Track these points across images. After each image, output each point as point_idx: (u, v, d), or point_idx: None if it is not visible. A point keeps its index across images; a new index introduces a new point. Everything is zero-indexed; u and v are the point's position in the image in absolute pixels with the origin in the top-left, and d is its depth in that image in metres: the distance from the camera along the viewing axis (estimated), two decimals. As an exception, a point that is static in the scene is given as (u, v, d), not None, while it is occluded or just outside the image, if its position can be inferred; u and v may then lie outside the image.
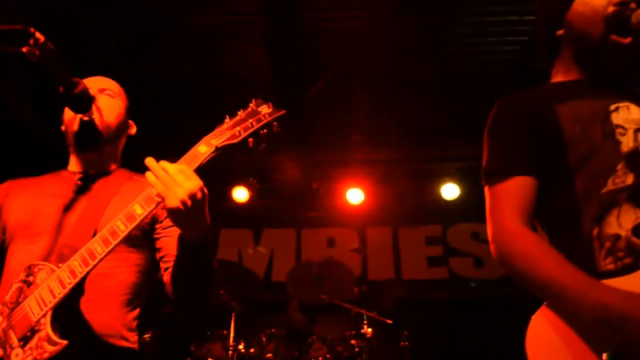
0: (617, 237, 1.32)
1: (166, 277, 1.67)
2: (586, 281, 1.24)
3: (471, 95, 5.17)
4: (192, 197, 1.34)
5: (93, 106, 1.69)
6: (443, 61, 4.74)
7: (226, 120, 1.49)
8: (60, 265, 1.46)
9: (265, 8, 4.11)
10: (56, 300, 1.41)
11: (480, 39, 4.56)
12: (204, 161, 1.43)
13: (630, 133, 1.40)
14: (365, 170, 5.73)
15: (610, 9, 1.47)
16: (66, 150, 1.89)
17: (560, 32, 1.58)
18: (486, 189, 1.51)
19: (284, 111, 1.53)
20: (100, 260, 1.41)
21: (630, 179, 1.35)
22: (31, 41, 1.34)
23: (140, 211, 1.41)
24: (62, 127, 1.86)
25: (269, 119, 1.49)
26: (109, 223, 1.44)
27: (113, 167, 1.89)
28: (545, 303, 1.33)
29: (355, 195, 5.68)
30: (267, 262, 6.05)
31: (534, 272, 1.30)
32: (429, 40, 4.48)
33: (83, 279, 1.42)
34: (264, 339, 4.03)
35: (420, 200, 5.76)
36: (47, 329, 1.39)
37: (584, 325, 1.22)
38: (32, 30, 1.34)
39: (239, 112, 1.51)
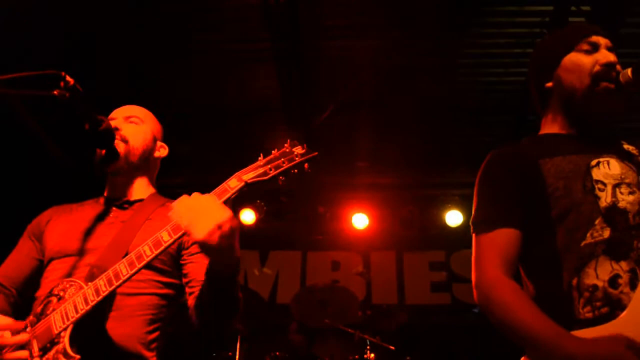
0: (595, 287, 1.44)
1: (190, 301, 1.76)
2: (557, 332, 1.36)
3: (476, 123, 5.28)
4: (220, 227, 1.39)
5: (117, 135, 1.79)
6: (448, 89, 4.84)
7: (260, 158, 1.58)
8: (88, 283, 1.56)
9: (273, 36, 4.23)
10: (78, 315, 1.51)
11: (485, 69, 4.67)
12: (234, 195, 1.51)
13: (609, 189, 1.53)
14: (370, 195, 5.82)
15: (597, 68, 1.62)
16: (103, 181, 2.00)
17: (550, 84, 1.72)
18: (473, 237, 1.64)
19: (316, 153, 1.59)
20: (124, 281, 1.51)
21: (607, 233, 1.47)
22: (62, 84, 1.45)
23: (167, 238, 1.50)
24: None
25: (301, 159, 1.57)
26: (138, 246, 1.53)
27: (147, 191, 1.99)
28: (525, 353, 1.44)
29: (360, 220, 5.77)
30: (272, 284, 6.11)
31: (510, 321, 1.42)
32: (435, 68, 4.60)
33: (106, 298, 1.52)
34: (268, 362, 4.07)
35: (425, 226, 5.82)
36: (65, 342, 1.49)
37: None
38: (63, 74, 1.45)
39: (273, 152, 1.59)
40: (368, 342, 4.16)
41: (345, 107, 4.99)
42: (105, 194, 1.98)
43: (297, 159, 1.56)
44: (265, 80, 4.73)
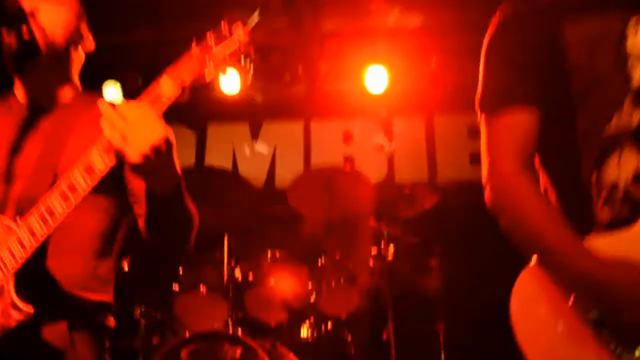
0: (615, 186, 1.53)
1: (140, 222, 1.93)
2: (573, 247, 1.50)
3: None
4: (156, 149, 1.52)
5: (31, 20, 1.81)
6: None
7: (192, 47, 1.62)
8: (19, 223, 1.68)
9: None
10: (17, 265, 1.66)
11: None
12: (170, 104, 1.59)
13: None
14: (388, 43, 5.74)
15: None
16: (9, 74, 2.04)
17: None
18: (482, 119, 1.70)
19: (261, 36, 1.62)
20: (61, 219, 1.64)
21: (637, 119, 1.53)
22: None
23: (100, 166, 1.60)
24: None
25: (244, 45, 1.60)
26: (68, 168, 1.64)
27: (69, 91, 2.05)
28: (535, 259, 1.58)
29: (376, 76, 5.74)
30: (269, 165, 6.29)
31: (524, 228, 1.56)
32: None
33: (45, 240, 1.66)
34: (264, 263, 4.36)
35: (461, 81, 5.80)
36: (11, 294, 1.65)
37: (569, 285, 1.50)
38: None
39: (207, 35, 1.62)
40: (385, 234, 4.39)
41: None
42: (16, 93, 2.03)
43: (237, 43, 1.59)
44: None
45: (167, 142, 1.56)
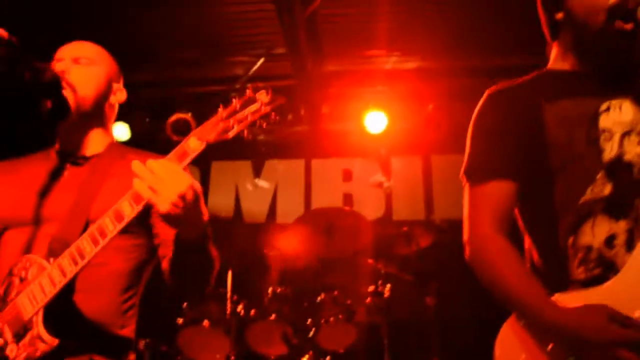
0: (590, 247, 1.74)
1: (164, 264, 2.10)
2: (541, 299, 1.70)
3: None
4: (183, 197, 1.68)
5: (63, 79, 2.03)
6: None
7: (219, 110, 1.80)
8: (50, 261, 1.88)
9: None
10: (47, 299, 1.85)
11: None
12: (195, 157, 1.77)
13: (616, 138, 1.79)
14: (387, 87, 5.98)
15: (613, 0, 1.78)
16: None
17: (560, 15, 1.90)
18: (466, 187, 1.92)
19: (283, 99, 1.81)
20: (90, 258, 1.83)
21: (608, 189, 1.75)
22: (-6, 39, 1.67)
23: (128, 211, 1.79)
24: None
25: (267, 110, 1.77)
26: (100, 214, 1.83)
27: (104, 142, 2.26)
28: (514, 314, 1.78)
29: (376, 119, 5.96)
30: (270, 200, 6.49)
31: (497, 283, 1.77)
32: None
33: (74, 278, 1.85)
34: (266, 299, 4.54)
35: (457, 123, 6.02)
36: (39, 327, 1.85)
37: (545, 334, 1.69)
38: (-5, 29, 1.67)
39: (233, 100, 1.79)
40: (382, 272, 4.58)
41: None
42: (57, 147, 2.24)
43: (263, 109, 1.76)
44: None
45: (193, 190, 1.72)
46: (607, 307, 1.61)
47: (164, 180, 1.69)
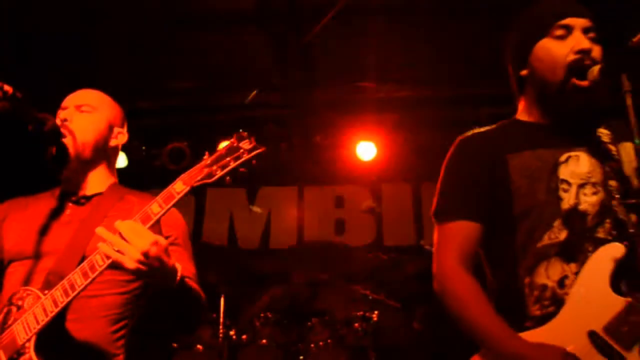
0: (545, 287, 1.93)
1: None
2: (502, 331, 1.86)
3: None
4: (146, 254, 1.83)
5: (65, 129, 2.23)
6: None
7: (205, 157, 1.99)
8: (45, 292, 2.04)
9: None
10: (39, 327, 2.00)
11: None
12: (179, 199, 1.95)
13: (574, 189, 1.98)
14: (377, 117, 6.15)
15: (571, 57, 1.99)
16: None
17: (524, 72, 2.12)
18: (435, 226, 2.07)
19: (263, 148, 2.00)
20: (80, 291, 1.99)
21: (563, 235, 1.94)
22: (0, 94, 1.83)
23: (101, 262, 1.93)
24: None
25: (248, 157, 1.97)
26: (94, 251, 1.98)
27: (106, 183, 2.44)
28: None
29: (366, 149, 6.14)
30: (264, 226, 6.63)
31: (462, 315, 1.93)
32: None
33: (64, 308, 2.00)
34: (257, 324, 4.67)
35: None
36: (30, 352, 1.99)
37: None
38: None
39: (218, 149, 1.99)
40: (370, 298, 4.71)
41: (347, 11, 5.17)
42: (60, 187, 2.42)
43: (243, 156, 1.96)
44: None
45: (157, 246, 1.86)
46: (562, 348, 1.79)
47: (129, 241, 1.84)
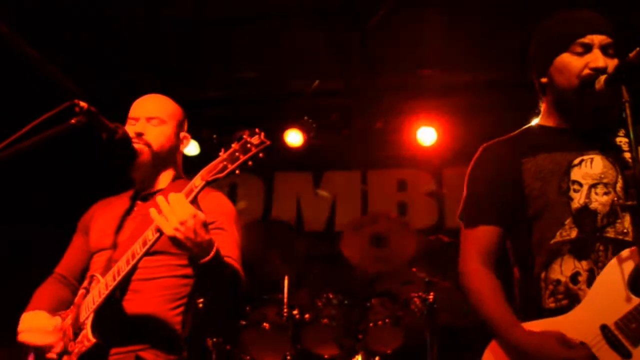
0: (558, 281, 2.13)
1: None
2: (510, 323, 2.10)
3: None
4: (184, 224, 2.03)
5: (141, 140, 2.61)
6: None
7: (221, 154, 2.18)
8: (104, 277, 2.37)
9: None
10: (95, 306, 2.33)
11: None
12: (197, 193, 2.16)
13: (585, 189, 2.16)
14: (438, 103, 6.26)
15: (585, 72, 2.16)
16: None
17: (544, 79, 2.30)
18: (461, 228, 2.33)
19: (269, 142, 2.16)
20: (125, 275, 2.29)
21: (574, 234, 2.14)
22: (77, 110, 2.13)
23: (151, 237, 2.22)
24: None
25: (255, 151, 2.13)
26: None
27: (167, 178, 2.75)
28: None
29: (427, 134, 6.26)
30: (330, 209, 6.91)
31: (480, 308, 2.19)
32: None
33: (113, 290, 2.32)
34: (319, 304, 4.96)
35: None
36: (87, 328, 2.32)
37: (512, 351, 2.09)
38: (76, 101, 2.12)
39: (233, 145, 2.16)
40: (427, 279, 4.89)
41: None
42: (135, 187, 2.79)
43: (251, 150, 2.12)
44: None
45: (195, 219, 2.05)
46: (558, 332, 2.01)
47: (172, 210, 2.07)
